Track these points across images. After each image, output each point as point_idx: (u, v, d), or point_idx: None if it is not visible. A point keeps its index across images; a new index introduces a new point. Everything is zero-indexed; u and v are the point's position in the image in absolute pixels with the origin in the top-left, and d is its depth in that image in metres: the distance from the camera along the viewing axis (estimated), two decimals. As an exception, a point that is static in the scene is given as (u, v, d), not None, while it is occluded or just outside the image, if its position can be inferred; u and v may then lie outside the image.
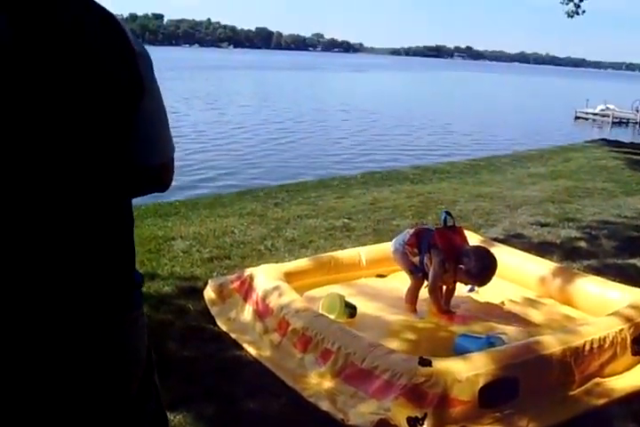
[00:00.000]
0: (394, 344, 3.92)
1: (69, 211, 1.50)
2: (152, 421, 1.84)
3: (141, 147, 1.62)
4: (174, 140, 1.76)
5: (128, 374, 1.69)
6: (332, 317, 4.25)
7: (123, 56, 1.52)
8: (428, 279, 4.58)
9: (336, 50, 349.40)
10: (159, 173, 1.75)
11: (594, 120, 39.15)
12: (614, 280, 4.93)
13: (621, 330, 3.94)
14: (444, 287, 4.71)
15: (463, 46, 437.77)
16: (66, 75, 1.42)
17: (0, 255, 1.43)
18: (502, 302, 4.84)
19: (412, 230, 4.79)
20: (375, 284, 5.15)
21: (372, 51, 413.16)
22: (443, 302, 4.66)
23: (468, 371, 3.32)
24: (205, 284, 4.95)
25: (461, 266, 4.37)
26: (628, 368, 3.93)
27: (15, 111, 1.37)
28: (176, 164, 1.77)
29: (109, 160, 1.55)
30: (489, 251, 4.53)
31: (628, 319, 4.05)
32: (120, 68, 1.51)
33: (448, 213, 4.72)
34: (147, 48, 1.61)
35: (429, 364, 3.32)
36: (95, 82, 1.46)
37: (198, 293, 4.89)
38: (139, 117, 1.57)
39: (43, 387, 1.52)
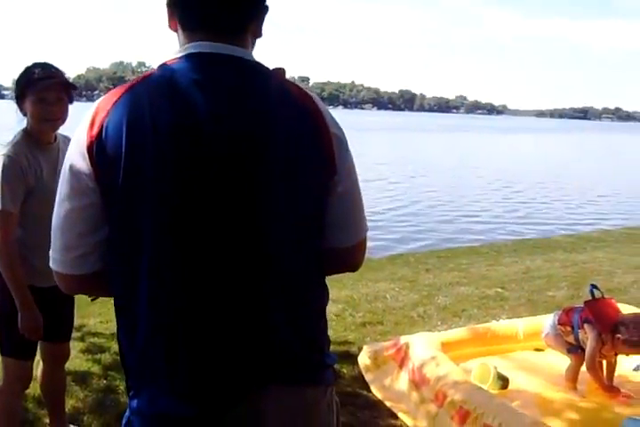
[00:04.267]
0: (554, 424, 3.78)
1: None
2: None
3: (334, 229, 1.70)
4: None
5: None
6: (483, 387, 4.19)
7: (316, 137, 1.62)
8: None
9: (479, 112, 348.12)
10: (350, 254, 1.80)
11: None
12: None
13: None
14: (605, 362, 4.55)
15: (612, 107, 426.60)
16: (263, 153, 1.57)
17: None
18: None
19: (559, 312, 4.71)
20: (533, 358, 5.02)
21: (516, 113, 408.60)
22: (605, 378, 4.49)
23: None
24: (359, 349, 4.99)
25: (619, 336, 4.22)
26: None
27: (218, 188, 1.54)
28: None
29: (301, 240, 1.64)
30: None
31: None
32: (313, 149, 1.61)
33: (594, 287, 4.63)
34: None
35: (598, 448, 3.20)
36: (288, 161, 1.58)
37: (352, 358, 4.93)
38: (331, 199, 1.66)
39: None
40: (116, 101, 1.55)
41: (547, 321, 4.75)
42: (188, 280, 1.55)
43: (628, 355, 4.51)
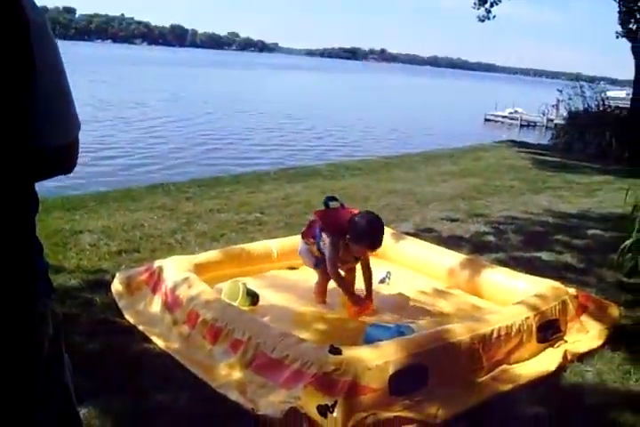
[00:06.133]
0: (304, 335, 3.88)
1: None
2: (59, 421, 1.74)
3: (40, 125, 1.50)
4: None
5: (20, 365, 1.58)
6: (234, 304, 4.22)
7: (10, 24, 1.39)
8: None
9: (251, 49, 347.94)
10: (61, 155, 1.62)
11: (502, 123, 40.16)
12: (521, 272, 5.04)
13: (527, 318, 4.04)
14: (362, 273, 4.67)
15: (377, 49, 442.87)
16: None
17: None
18: (411, 298, 4.86)
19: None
20: (286, 276, 5.14)
21: (287, 51, 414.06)
22: (365, 290, 4.61)
23: (377, 359, 3.32)
24: (113, 277, 4.84)
25: (348, 236, 4.33)
26: (533, 355, 4.03)
27: None
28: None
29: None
30: (372, 212, 4.52)
31: (534, 308, 4.15)
32: (5, 37, 1.38)
33: (329, 198, 4.69)
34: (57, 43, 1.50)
35: (339, 352, 3.31)
36: None
37: (106, 286, 4.77)
38: (33, 93, 1.46)
39: None
40: None
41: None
42: None
43: (364, 254, 4.56)
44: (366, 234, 4.33)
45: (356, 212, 4.57)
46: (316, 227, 4.57)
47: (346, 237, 4.35)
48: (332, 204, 4.66)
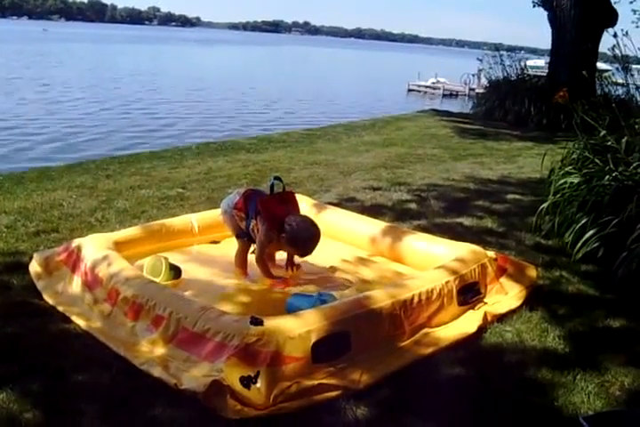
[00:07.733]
0: (227, 307, 3.87)
1: None
2: None
3: None
4: None
5: None
6: (156, 279, 4.19)
7: None
8: (255, 243, 4.56)
9: (173, 24, 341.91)
10: None
11: (425, 92, 40.52)
12: (442, 237, 5.10)
13: (447, 282, 4.10)
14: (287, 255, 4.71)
15: (301, 21, 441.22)
16: None
17: None
18: (333, 266, 4.90)
19: (242, 191, 4.72)
20: (208, 250, 5.11)
21: (209, 25, 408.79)
22: (286, 264, 4.68)
23: (299, 328, 3.33)
24: (31, 258, 4.72)
25: (284, 235, 4.35)
26: (454, 318, 4.11)
27: None
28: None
29: None
30: (312, 221, 4.50)
31: (454, 272, 4.22)
32: None
33: (277, 179, 4.65)
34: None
35: (261, 323, 3.30)
36: None
37: (24, 268, 4.68)
38: None
39: None
40: None
41: (227, 198, 4.77)
42: None
43: (290, 253, 4.66)
44: (304, 244, 4.39)
45: (295, 205, 4.62)
46: (253, 206, 4.51)
47: (281, 235, 4.37)
48: (277, 183, 4.61)
